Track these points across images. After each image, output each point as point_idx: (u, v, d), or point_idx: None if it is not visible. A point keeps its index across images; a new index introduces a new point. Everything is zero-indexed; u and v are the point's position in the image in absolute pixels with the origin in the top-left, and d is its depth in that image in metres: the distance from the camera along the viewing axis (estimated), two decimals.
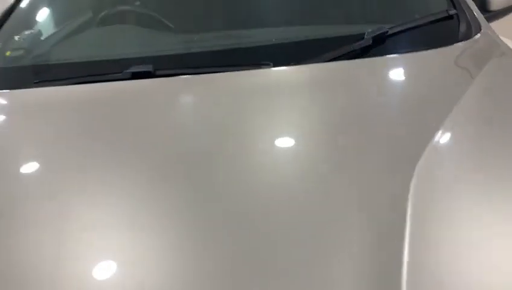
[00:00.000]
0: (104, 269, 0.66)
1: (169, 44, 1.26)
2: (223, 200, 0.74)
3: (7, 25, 1.40)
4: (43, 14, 1.48)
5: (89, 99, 1.09)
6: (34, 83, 1.15)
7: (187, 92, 1.07)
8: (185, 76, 1.09)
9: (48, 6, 1.51)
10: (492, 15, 1.39)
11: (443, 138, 0.81)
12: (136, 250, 0.67)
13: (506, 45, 1.14)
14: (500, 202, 0.70)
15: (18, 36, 1.36)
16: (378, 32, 1.10)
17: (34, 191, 0.85)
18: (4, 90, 1.18)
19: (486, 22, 1.22)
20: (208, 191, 0.76)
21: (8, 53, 1.32)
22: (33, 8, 1.48)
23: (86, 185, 0.82)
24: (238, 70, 1.08)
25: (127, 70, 1.10)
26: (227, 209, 0.71)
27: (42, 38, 1.38)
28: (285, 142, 0.90)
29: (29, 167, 0.92)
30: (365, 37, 1.09)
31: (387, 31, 1.10)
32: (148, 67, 1.09)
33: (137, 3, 1.64)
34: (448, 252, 0.62)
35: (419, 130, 0.84)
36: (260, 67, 1.08)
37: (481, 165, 0.77)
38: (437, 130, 0.81)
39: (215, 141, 0.89)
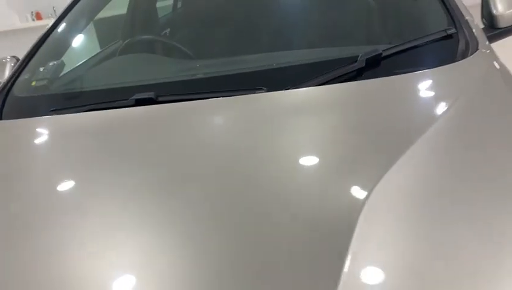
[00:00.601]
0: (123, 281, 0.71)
1: (171, 72, 1.34)
2: (225, 216, 0.79)
3: (36, 58, 1.53)
4: (66, 48, 1.61)
5: (97, 125, 1.17)
6: (51, 110, 1.25)
7: (184, 117, 1.12)
8: (183, 102, 1.14)
9: (71, 41, 1.65)
10: (501, 32, 1.36)
11: (413, 158, 0.82)
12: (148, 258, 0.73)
13: (502, 64, 1.11)
14: (451, 227, 0.69)
15: (43, 68, 1.48)
16: (371, 54, 1.11)
17: (50, 208, 0.91)
18: (27, 118, 1.29)
19: (486, 41, 1.19)
20: (211, 207, 0.81)
21: (33, 83, 1.45)
22: (58, 43, 1.61)
23: (96, 201, 0.89)
24: (233, 95, 1.12)
25: (132, 98, 1.17)
26: (230, 226, 0.76)
27: (63, 69, 1.50)
28: (279, 162, 0.92)
29: (45, 186, 1.00)
30: (358, 59, 1.11)
31: (381, 53, 1.11)
32: (151, 94, 1.16)
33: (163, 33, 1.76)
34: (385, 274, 0.63)
35: (393, 151, 0.85)
36: (255, 92, 1.12)
37: (443, 190, 0.77)
38: (409, 150, 0.83)
39: (215, 161, 0.94)
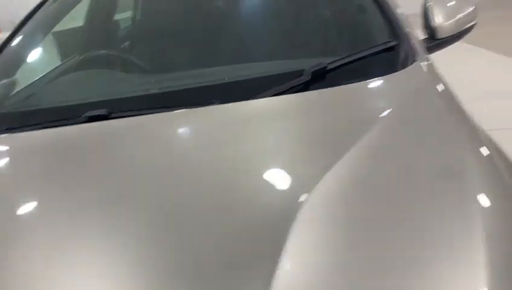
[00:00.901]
0: None
1: (125, 87, 1.35)
2: (170, 224, 0.83)
3: None
4: (20, 64, 1.59)
5: (50, 144, 1.17)
6: (4, 130, 1.24)
7: (135, 132, 1.14)
8: (135, 117, 1.16)
9: (25, 57, 1.63)
10: (440, 43, 1.44)
11: (350, 162, 0.88)
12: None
13: (438, 73, 1.19)
14: (383, 228, 0.75)
15: None
16: (316, 68, 1.16)
17: None
18: None
19: (424, 52, 1.27)
20: (159, 220, 0.85)
21: None
22: (12, 59, 1.59)
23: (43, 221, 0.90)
24: (185, 108, 1.15)
25: (84, 115, 1.18)
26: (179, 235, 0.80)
27: (16, 86, 1.48)
28: (226, 170, 0.96)
29: None
30: (304, 72, 1.16)
31: (326, 66, 1.17)
32: (102, 111, 1.17)
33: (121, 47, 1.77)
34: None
35: (331, 156, 0.90)
36: (207, 105, 1.15)
37: (376, 192, 0.83)
38: (346, 155, 0.89)
39: (163, 174, 0.97)
